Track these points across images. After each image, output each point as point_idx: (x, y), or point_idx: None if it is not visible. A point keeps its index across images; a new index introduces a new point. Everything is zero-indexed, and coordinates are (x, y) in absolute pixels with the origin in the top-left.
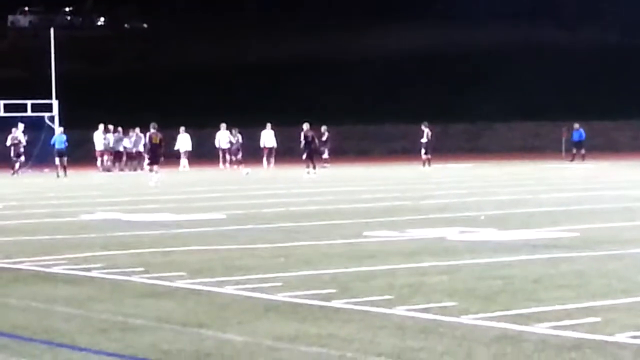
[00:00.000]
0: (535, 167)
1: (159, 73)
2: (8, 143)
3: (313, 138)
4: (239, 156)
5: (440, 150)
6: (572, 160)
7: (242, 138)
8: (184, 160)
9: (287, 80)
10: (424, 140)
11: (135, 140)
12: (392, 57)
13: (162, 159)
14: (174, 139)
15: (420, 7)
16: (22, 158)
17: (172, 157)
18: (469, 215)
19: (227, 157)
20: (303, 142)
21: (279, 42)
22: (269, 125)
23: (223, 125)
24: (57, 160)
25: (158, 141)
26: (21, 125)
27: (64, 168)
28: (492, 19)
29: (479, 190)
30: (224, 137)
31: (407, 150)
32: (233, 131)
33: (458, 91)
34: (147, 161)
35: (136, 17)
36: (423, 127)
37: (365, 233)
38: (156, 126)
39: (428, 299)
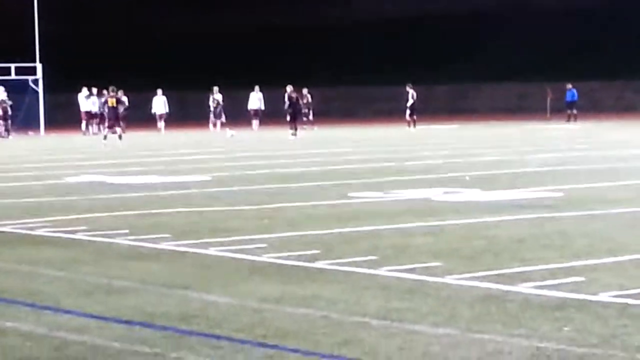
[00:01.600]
0: (520, 127)
1: (144, 34)
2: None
3: (297, 99)
4: (222, 118)
5: (425, 111)
6: (568, 120)
7: (224, 100)
8: (160, 123)
9: (272, 45)
10: (409, 101)
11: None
12: (377, 20)
13: (121, 122)
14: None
15: None
16: (9, 121)
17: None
18: (453, 176)
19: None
20: (287, 103)
21: (263, 7)
22: (257, 87)
23: (216, 88)
24: None
25: (115, 104)
26: (1, 88)
27: None
28: None
29: (463, 151)
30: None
31: (392, 112)
32: (215, 94)
33: (443, 53)
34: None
35: None
36: (408, 88)
37: (349, 194)
38: (115, 89)
39: (413, 260)
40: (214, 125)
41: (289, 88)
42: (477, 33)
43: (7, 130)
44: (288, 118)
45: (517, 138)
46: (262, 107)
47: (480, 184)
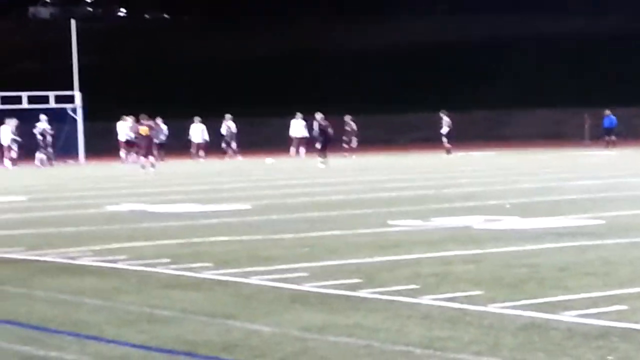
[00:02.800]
0: (558, 154)
1: (178, 64)
2: (38, 134)
3: (327, 128)
4: (234, 145)
5: (463, 138)
6: (606, 146)
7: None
8: (200, 152)
9: (308, 71)
10: (444, 128)
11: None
12: (414, 46)
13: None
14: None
15: None
16: (50, 149)
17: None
18: (493, 204)
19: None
20: (317, 132)
21: (300, 33)
22: (299, 114)
23: (228, 116)
24: None
25: (147, 132)
26: (44, 117)
27: None
28: (512, 8)
29: (502, 178)
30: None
31: (430, 139)
32: (229, 121)
33: (481, 79)
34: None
35: (156, 9)
36: (442, 115)
37: (390, 222)
38: (147, 117)
39: (454, 288)
40: (226, 152)
41: (319, 116)
42: (514, 59)
43: (49, 159)
44: (319, 146)
45: (556, 165)
46: (305, 135)
47: (520, 211)
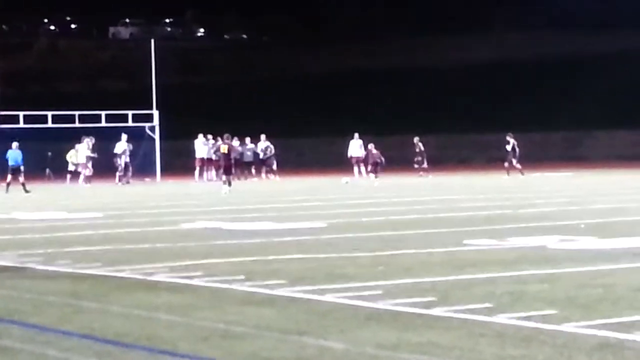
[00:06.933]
0: (635, 175)
1: (258, 83)
2: (119, 152)
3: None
4: (274, 166)
5: (540, 158)
6: None
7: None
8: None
9: (381, 89)
10: (509, 148)
11: (241, 150)
12: (489, 63)
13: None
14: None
15: (522, 14)
16: (122, 168)
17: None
18: (569, 224)
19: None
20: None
21: (375, 51)
22: (356, 135)
23: (263, 136)
24: (9, 177)
25: (226, 151)
26: (124, 136)
27: (22, 184)
28: (592, 25)
29: (579, 198)
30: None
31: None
32: (263, 141)
33: (559, 99)
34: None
35: (236, 28)
36: (508, 138)
37: (465, 241)
38: (229, 136)
39: (528, 307)
40: (261, 172)
41: (370, 146)
42: (592, 78)
43: (126, 176)
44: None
45: (633, 186)
46: (362, 155)
47: (596, 231)
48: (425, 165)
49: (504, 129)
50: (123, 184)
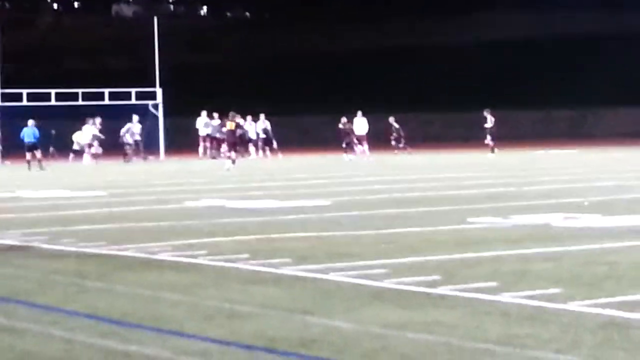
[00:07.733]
0: None
1: (260, 61)
2: (125, 134)
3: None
4: (274, 144)
5: (545, 136)
6: None
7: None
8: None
9: (385, 67)
10: (487, 125)
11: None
12: (494, 44)
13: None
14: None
15: None
16: (129, 147)
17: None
18: (573, 201)
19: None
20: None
21: (382, 29)
22: (359, 112)
23: (262, 116)
24: (27, 155)
25: (233, 127)
26: (135, 117)
27: (39, 161)
28: (595, 4)
29: (583, 176)
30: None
31: (509, 137)
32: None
33: (563, 77)
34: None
35: (238, 6)
36: (485, 114)
37: (469, 219)
38: (235, 114)
39: (533, 286)
40: (259, 150)
41: (343, 119)
42: (596, 57)
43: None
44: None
45: (638, 163)
46: (365, 132)
47: (600, 209)
48: (402, 144)
49: (507, 107)
50: (144, 158)
